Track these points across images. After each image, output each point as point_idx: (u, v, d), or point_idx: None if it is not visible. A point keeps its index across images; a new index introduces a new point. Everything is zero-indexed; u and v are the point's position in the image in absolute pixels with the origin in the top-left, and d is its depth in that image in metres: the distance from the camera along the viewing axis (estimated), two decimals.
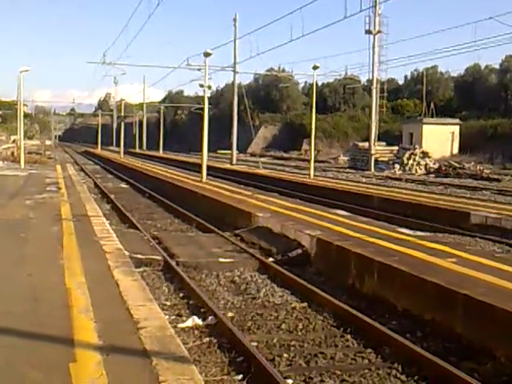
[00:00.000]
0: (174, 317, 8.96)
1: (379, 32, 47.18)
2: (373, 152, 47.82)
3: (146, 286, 8.92)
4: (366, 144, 50.03)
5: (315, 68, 32.81)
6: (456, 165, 43.59)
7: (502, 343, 7.32)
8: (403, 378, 7.01)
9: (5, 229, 13.37)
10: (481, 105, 70.40)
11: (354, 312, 8.90)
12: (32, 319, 6.71)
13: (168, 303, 9.75)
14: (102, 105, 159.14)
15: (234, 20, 52.60)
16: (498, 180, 37.62)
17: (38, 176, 30.85)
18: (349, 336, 8.27)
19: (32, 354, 5.64)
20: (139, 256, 12.31)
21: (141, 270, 11.40)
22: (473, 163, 45.49)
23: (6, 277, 8.78)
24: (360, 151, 51.73)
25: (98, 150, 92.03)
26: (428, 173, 44.73)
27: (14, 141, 59.34)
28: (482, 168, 42.88)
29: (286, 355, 7.56)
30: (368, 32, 46.95)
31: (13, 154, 48.79)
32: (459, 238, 15.60)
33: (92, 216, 15.92)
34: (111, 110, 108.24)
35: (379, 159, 49.08)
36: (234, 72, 53.97)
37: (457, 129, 61.85)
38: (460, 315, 8.13)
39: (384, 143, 53.78)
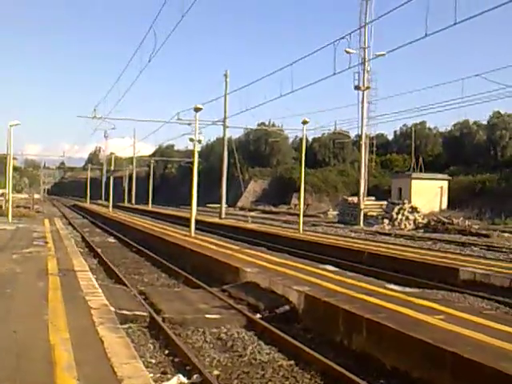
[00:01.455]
0: (158, 375, 8.80)
1: (368, 88, 47.88)
2: (362, 207, 47.97)
3: (131, 343, 8.81)
4: (356, 198, 50.23)
5: (305, 123, 33.09)
6: (445, 220, 43.72)
7: None
8: None
9: None
10: (469, 160, 71.09)
11: (342, 370, 8.78)
12: (15, 376, 6.59)
13: (153, 361, 9.60)
14: (92, 158, 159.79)
15: (225, 76, 53.32)
16: (486, 236, 37.66)
17: (26, 230, 30.71)
18: None
19: None
20: (125, 312, 12.16)
21: (126, 326, 11.25)
22: (462, 218, 45.65)
23: None
24: (349, 206, 51.89)
25: (87, 204, 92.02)
26: (417, 228, 44.82)
27: (2, 194, 59.20)
28: (470, 223, 43.01)
29: None
30: (357, 88, 47.64)
31: (1, 207, 48.63)
32: (448, 294, 15.53)
33: (78, 271, 15.79)
34: (101, 164, 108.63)
35: (368, 214, 49.18)
36: (224, 126, 54.45)
37: (445, 184, 62.31)
38: (448, 373, 8.04)
39: (373, 198, 54.03)
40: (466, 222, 43.59)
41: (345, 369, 8.83)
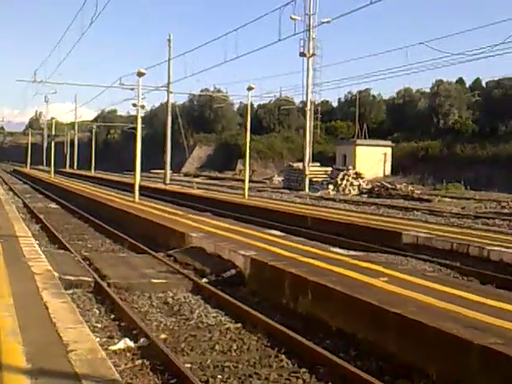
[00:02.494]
0: (105, 339, 8.75)
1: (313, 55, 47.99)
2: (307, 173, 48.30)
3: (76, 309, 8.72)
4: (301, 165, 50.55)
5: (250, 89, 33.00)
6: (388, 185, 44.37)
7: (433, 361, 7.39)
8: None
9: None
10: (412, 127, 72.04)
11: (289, 332, 8.87)
12: None
13: (99, 325, 9.53)
14: (33, 123, 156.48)
15: (169, 40, 52.58)
16: (428, 201, 38.42)
17: None
18: (283, 356, 8.22)
19: None
20: (69, 277, 12.02)
21: (71, 291, 11.13)
22: (404, 184, 46.43)
23: None
24: (294, 172, 52.17)
25: (28, 170, 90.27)
26: (361, 193, 45.41)
27: None
28: (413, 189, 43.76)
29: (219, 376, 7.46)
30: (302, 55, 47.69)
31: None
32: (391, 257, 15.79)
33: (21, 236, 15.52)
34: (42, 129, 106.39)
35: (313, 180, 49.57)
36: (168, 92, 53.83)
37: (389, 150, 63.23)
38: (392, 334, 8.18)
39: (318, 164, 54.41)
40: (409, 187, 44.33)
41: (291, 330, 8.92)
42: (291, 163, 56.77)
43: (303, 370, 7.72)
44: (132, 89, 47.91)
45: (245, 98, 39.95)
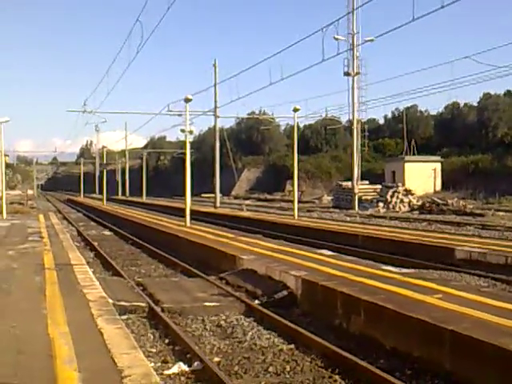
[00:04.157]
0: (159, 363, 8.83)
1: (357, 74, 47.90)
2: (356, 191, 48.05)
3: (131, 334, 8.81)
4: (349, 183, 50.30)
5: (296, 110, 33.07)
6: (439, 201, 43.81)
7: (491, 378, 7.26)
8: None
9: None
10: (461, 142, 71.21)
11: (342, 352, 8.81)
12: (14, 372, 6.57)
13: (153, 350, 9.61)
14: (84, 153, 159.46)
15: (214, 65, 53.15)
16: (481, 215, 37.79)
17: (21, 226, 30.62)
18: (337, 376, 8.17)
19: None
20: (123, 303, 12.17)
21: (125, 317, 11.27)
22: (456, 199, 45.78)
23: None
24: (343, 191, 51.96)
25: (81, 198, 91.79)
26: (412, 210, 44.92)
27: None
28: (464, 203, 43.13)
29: None
30: (347, 74, 47.66)
31: None
32: (444, 273, 15.58)
33: (75, 264, 15.77)
34: (93, 158, 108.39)
35: (363, 198, 49.28)
36: (215, 116, 54.33)
37: (438, 166, 62.50)
38: (448, 351, 8.07)
39: (367, 182, 54.10)
40: (461, 202, 43.70)
41: (345, 351, 8.86)
42: (340, 182, 56.58)
43: None
44: (180, 115, 48.61)
45: (291, 120, 40.10)
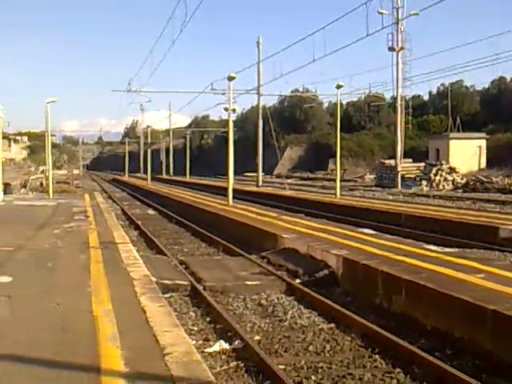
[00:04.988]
0: (201, 341, 8.95)
1: (402, 49, 47.21)
2: (399, 169, 47.62)
3: (173, 312, 8.95)
4: (392, 161, 49.87)
5: (339, 87, 32.80)
6: (484, 179, 43.22)
7: None
8: None
9: (34, 258, 13.48)
10: (507, 118, 69.82)
11: (382, 332, 8.82)
12: (59, 348, 6.73)
13: (195, 328, 9.75)
14: (129, 132, 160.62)
15: (257, 43, 52.92)
16: None
17: (67, 205, 31.10)
18: (377, 356, 8.19)
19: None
20: (166, 282, 12.34)
21: (168, 295, 11.42)
22: (501, 177, 45.10)
23: (34, 306, 8.84)
24: (386, 169, 51.56)
25: (126, 178, 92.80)
26: (455, 188, 44.43)
27: (42, 171, 59.94)
28: (510, 181, 42.43)
29: (313, 377, 7.51)
30: (391, 49, 47.02)
31: (41, 184, 49.20)
32: (488, 253, 15.41)
33: (119, 243, 16.01)
34: (138, 137, 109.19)
35: (406, 176, 48.84)
36: (258, 95, 54.26)
37: (484, 143, 61.47)
38: (489, 332, 8.02)
39: (410, 160, 53.56)
40: (506, 180, 43.01)
41: (385, 330, 8.87)
42: (383, 160, 56.13)
43: (398, 370, 7.67)
44: (223, 93, 48.58)
45: (334, 97, 39.76)
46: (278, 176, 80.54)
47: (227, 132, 29.69)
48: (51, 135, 51.06)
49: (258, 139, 53.81)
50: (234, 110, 31.34)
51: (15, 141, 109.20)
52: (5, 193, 37.48)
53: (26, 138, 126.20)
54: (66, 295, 9.51)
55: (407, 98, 55.09)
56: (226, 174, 29.72)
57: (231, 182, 29.24)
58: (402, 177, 47.87)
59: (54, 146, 79.88)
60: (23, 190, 46.14)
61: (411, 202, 32.11)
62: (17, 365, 6.20)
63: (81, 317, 8.09)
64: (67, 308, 8.63)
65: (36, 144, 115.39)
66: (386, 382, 7.38)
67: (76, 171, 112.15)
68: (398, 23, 45.88)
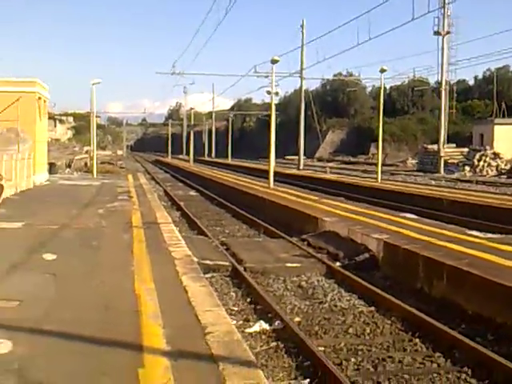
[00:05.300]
0: (241, 322, 9.04)
1: (448, 33, 46.54)
2: (442, 154, 47.08)
3: (214, 292, 9.04)
4: (435, 146, 49.32)
5: (382, 71, 32.51)
6: None
7: None
8: (473, 381, 6.91)
9: (80, 237, 13.73)
10: None
11: (423, 316, 8.80)
12: (103, 326, 6.88)
13: (235, 308, 9.84)
14: (173, 114, 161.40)
15: (301, 26, 52.61)
16: None
17: (110, 185, 31.51)
18: (417, 340, 8.18)
19: (102, 360, 5.79)
20: (207, 262, 12.47)
21: (209, 275, 11.54)
22: None
23: (79, 284, 9.02)
24: (429, 154, 51.05)
25: (169, 159, 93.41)
26: (500, 174, 43.78)
27: (87, 151, 60.71)
28: None
29: (353, 359, 7.54)
30: (437, 33, 46.37)
31: (86, 164, 49.88)
32: None
33: (162, 223, 16.20)
34: (181, 120, 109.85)
35: (449, 161, 48.29)
36: (301, 78, 54.02)
37: None
38: None
39: (454, 145, 52.91)
40: None
41: (425, 315, 8.85)
42: (425, 145, 55.55)
43: (438, 354, 7.66)
44: (266, 76, 48.55)
45: (377, 81, 39.48)
46: (320, 159, 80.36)
47: (269, 115, 29.69)
48: (96, 116, 51.71)
49: (299, 122, 53.64)
50: (276, 93, 31.36)
51: (61, 121, 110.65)
52: (50, 172, 38.14)
53: (71, 119, 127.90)
54: (110, 274, 9.69)
55: (452, 82, 54.38)
56: (268, 156, 29.75)
57: (272, 165, 29.29)
58: (445, 162, 47.33)
59: (98, 126, 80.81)
60: (68, 169, 46.83)
61: (453, 187, 31.77)
62: (61, 342, 6.36)
63: (124, 295, 8.24)
64: (110, 287, 8.79)
65: (81, 125, 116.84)
66: (426, 366, 7.37)
67: (120, 152, 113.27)
68: (444, 7, 45.18)
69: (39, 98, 33.64)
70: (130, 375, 5.41)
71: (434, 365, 7.41)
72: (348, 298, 10.44)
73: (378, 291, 10.33)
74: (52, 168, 40.19)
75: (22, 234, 14.13)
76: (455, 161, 48.96)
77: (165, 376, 5.39)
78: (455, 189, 29.83)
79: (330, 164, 62.48)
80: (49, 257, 11.09)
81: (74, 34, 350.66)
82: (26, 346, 6.13)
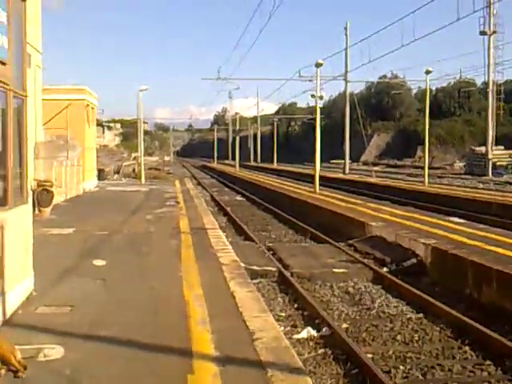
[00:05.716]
0: (288, 328, 9.07)
1: (494, 32, 45.83)
2: (490, 157, 46.35)
3: (261, 297, 9.10)
4: (483, 149, 48.58)
5: (428, 72, 32.20)
6: None
7: None
8: None
9: (128, 243, 13.92)
10: None
11: (473, 323, 8.70)
12: (152, 331, 6.98)
13: (283, 314, 9.87)
14: (218, 119, 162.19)
15: (345, 28, 52.35)
16: None
17: (158, 191, 31.85)
18: (467, 348, 8.10)
19: (152, 366, 5.89)
20: (254, 267, 12.52)
21: (256, 281, 11.59)
22: None
23: (128, 290, 9.15)
24: (477, 156, 50.30)
25: (215, 164, 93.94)
26: None
27: (134, 158, 61.44)
28: None
29: (402, 367, 7.50)
30: (482, 33, 45.70)
31: (134, 170, 50.46)
32: None
33: (209, 229, 16.33)
34: (227, 125, 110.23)
35: (497, 164, 47.51)
36: (346, 81, 53.73)
37: None
38: None
39: (502, 147, 52.03)
40: None
41: (475, 322, 8.75)
42: (473, 147, 54.75)
43: (488, 362, 7.57)
44: (310, 80, 48.58)
45: (423, 83, 39.13)
46: (365, 163, 79.86)
47: (314, 119, 29.65)
48: (143, 122, 52.26)
49: (345, 126, 53.36)
50: (321, 97, 31.33)
51: (109, 128, 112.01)
52: (99, 179, 38.71)
53: (119, 125, 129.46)
54: (158, 279, 9.81)
55: (499, 83, 53.45)
56: (313, 161, 29.70)
57: (318, 169, 29.23)
58: (493, 164, 46.59)
59: (145, 133, 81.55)
60: (116, 175, 47.48)
61: (502, 190, 31.28)
62: (112, 347, 6.47)
63: (173, 301, 8.34)
64: (159, 292, 8.91)
65: (129, 131, 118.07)
66: (477, 374, 7.29)
67: (167, 158, 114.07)
68: (490, 6, 44.50)
69: (87, 106, 34.22)
70: (180, 381, 5.49)
71: (485, 373, 7.32)
72: (396, 304, 10.38)
73: (427, 297, 10.25)
74: (101, 174, 40.79)
75: (73, 240, 14.38)
76: (504, 163, 48.18)
77: (214, 382, 5.45)
78: (504, 192, 29.34)
79: (376, 168, 62.05)
80: (99, 262, 11.29)
81: (123, 41, 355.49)
82: (78, 351, 6.26)
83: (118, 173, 48.84)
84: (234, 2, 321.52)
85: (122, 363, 5.96)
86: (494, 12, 45.57)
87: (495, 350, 7.83)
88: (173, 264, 11.09)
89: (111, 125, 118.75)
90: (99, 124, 68.05)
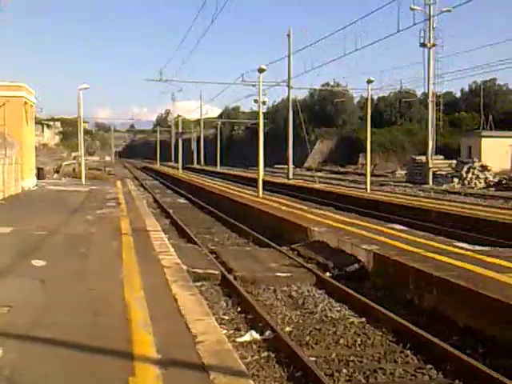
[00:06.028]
0: (231, 331, 8.99)
1: (434, 45, 46.71)
2: (430, 166, 47.19)
3: (204, 301, 9.01)
4: (424, 158, 49.45)
5: (369, 82, 32.64)
6: None
7: None
8: None
9: (67, 244, 13.67)
10: None
11: (414, 327, 8.78)
12: (92, 333, 6.85)
13: (226, 317, 9.80)
14: (161, 121, 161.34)
15: (288, 35, 52.62)
16: None
17: (99, 191, 31.43)
18: (408, 352, 8.17)
19: (92, 367, 5.76)
20: (197, 270, 12.41)
21: (199, 284, 11.49)
22: None
23: (68, 291, 8.97)
24: (417, 165, 51.13)
25: (157, 166, 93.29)
26: (487, 186, 43.92)
27: (75, 157, 60.58)
28: None
29: (344, 370, 7.51)
30: (423, 45, 46.58)
31: (74, 170, 49.75)
32: None
33: (151, 231, 16.16)
34: (170, 127, 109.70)
35: (437, 173, 48.40)
36: (289, 87, 53.97)
37: None
38: None
39: (442, 157, 53.05)
40: None
41: (416, 326, 8.83)
42: (414, 156, 55.67)
43: (429, 366, 7.65)
44: (253, 85, 48.60)
45: (365, 91, 39.58)
46: (308, 169, 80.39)
47: (257, 124, 29.68)
48: (84, 122, 51.58)
49: (288, 132, 53.58)
50: (264, 102, 31.37)
51: (48, 126, 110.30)
52: (38, 178, 37.98)
53: (58, 124, 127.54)
54: (99, 281, 9.65)
55: (439, 94, 54.53)
56: (257, 165, 29.73)
57: (261, 174, 29.28)
58: (434, 173, 47.44)
59: (86, 132, 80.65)
60: (56, 175, 46.68)
61: (442, 198, 31.82)
62: (51, 349, 6.32)
63: (113, 303, 8.20)
64: (100, 294, 8.75)
65: (69, 130, 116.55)
66: (418, 378, 7.36)
67: (108, 158, 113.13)
68: (430, 19, 45.35)
69: (26, 103, 33.51)
70: (121, 383, 5.37)
71: (426, 377, 7.39)
72: (338, 308, 10.42)
73: (369, 302, 10.31)
74: (40, 173, 40.05)
75: (11, 240, 14.04)
76: (444, 172, 49.08)
77: None
78: (444, 200, 29.86)
79: (319, 174, 62.50)
80: (38, 263, 11.03)
81: (62, 39, 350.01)
82: (16, 352, 6.08)
83: (57, 172, 48.05)
84: (177, 2, 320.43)
85: (61, 365, 5.82)
86: (434, 25, 46.48)
87: (436, 354, 7.91)
88: (114, 266, 10.91)
89: (51, 123, 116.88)
90: (38, 122, 66.86)
